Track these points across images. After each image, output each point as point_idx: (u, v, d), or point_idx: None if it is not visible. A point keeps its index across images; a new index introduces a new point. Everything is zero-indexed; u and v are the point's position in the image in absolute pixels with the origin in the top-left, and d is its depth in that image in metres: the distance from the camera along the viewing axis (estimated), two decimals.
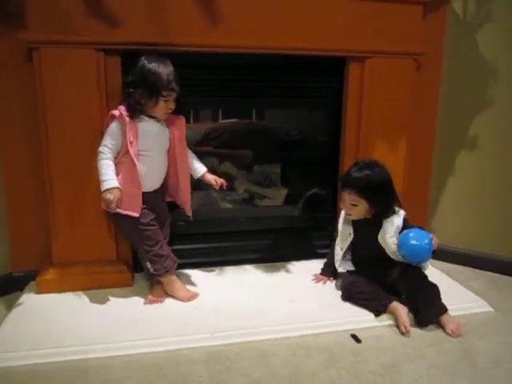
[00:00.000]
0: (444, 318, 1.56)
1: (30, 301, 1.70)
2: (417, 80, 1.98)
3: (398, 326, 1.56)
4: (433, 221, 2.21)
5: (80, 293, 1.75)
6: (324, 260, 1.94)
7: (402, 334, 1.53)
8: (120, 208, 1.61)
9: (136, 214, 1.62)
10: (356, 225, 1.76)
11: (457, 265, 2.13)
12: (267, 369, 1.36)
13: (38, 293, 1.74)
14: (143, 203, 1.64)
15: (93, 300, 1.71)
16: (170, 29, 1.68)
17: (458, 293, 1.69)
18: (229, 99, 1.97)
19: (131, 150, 1.58)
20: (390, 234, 1.65)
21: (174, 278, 1.73)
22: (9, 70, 1.68)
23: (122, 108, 1.60)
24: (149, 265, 1.68)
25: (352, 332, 1.54)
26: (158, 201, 1.74)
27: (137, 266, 1.93)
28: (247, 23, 1.73)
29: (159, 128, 1.68)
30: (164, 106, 1.63)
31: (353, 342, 1.51)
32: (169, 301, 1.71)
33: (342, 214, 1.81)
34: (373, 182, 1.65)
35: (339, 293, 1.78)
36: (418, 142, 2.09)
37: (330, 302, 1.71)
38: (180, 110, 1.72)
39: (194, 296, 1.73)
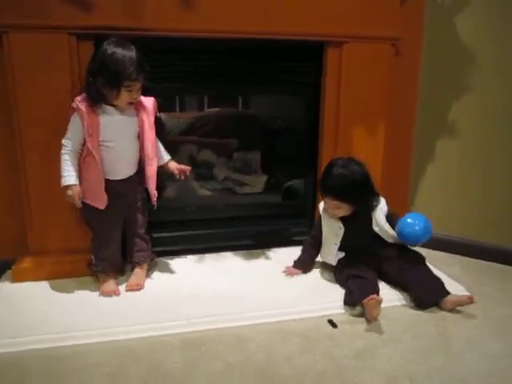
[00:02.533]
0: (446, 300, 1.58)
1: (6, 289, 1.68)
2: (396, 66, 1.98)
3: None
4: (413, 207, 2.22)
5: (56, 281, 1.73)
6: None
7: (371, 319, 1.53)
8: (86, 199, 1.59)
9: (101, 207, 1.60)
10: (343, 219, 1.75)
11: (437, 251, 2.14)
12: (243, 354, 1.36)
13: (14, 281, 1.72)
14: (114, 190, 1.62)
15: (69, 288, 1.69)
16: (146, 13, 1.65)
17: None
18: (209, 85, 1.94)
19: (89, 143, 1.53)
20: (384, 220, 1.71)
21: (109, 279, 1.71)
22: None
23: (79, 99, 1.53)
24: (93, 256, 1.70)
25: (329, 317, 1.55)
26: (132, 188, 1.70)
27: None
28: (223, 8, 1.71)
29: (123, 117, 1.60)
30: (127, 96, 1.55)
31: (329, 327, 1.51)
32: (147, 288, 1.71)
33: (322, 209, 1.81)
34: (348, 185, 1.65)
35: (319, 280, 1.79)
36: (398, 127, 2.09)
37: (308, 289, 1.72)
38: (163, 96, 1.70)
39: (112, 291, 1.67)
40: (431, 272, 1.68)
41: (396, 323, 1.52)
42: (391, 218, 1.73)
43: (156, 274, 1.83)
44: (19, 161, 1.68)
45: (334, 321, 1.53)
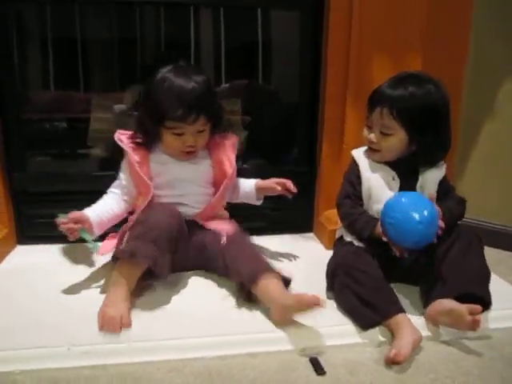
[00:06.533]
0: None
1: None
2: None
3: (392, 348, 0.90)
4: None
5: None
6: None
7: (388, 361, 0.88)
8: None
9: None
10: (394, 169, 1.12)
11: (495, 248, 1.44)
12: None
13: None
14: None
15: None
16: None
17: (500, 291, 1.04)
18: None
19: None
20: (435, 185, 1.12)
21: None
22: None
23: (124, 134, 1.16)
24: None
25: (312, 354, 0.90)
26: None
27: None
28: None
29: (182, 163, 1.17)
30: (176, 142, 1.12)
31: (311, 371, 0.86)
32: (34, 298, 1.08)
33: (358, 153, 1.16)
34: (421, 103, 1.04)
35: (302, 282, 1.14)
36: (443, 67, 1.38)
37: None
38: None
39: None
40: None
41: (426, 365, 0.88)
42: (444, 189, 1.13)
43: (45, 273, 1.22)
44: None
45: (320, 361, 0.88)
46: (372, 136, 1.08)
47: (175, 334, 0.93)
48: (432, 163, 1.10)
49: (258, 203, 1.27)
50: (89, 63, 1.50)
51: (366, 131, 1.11)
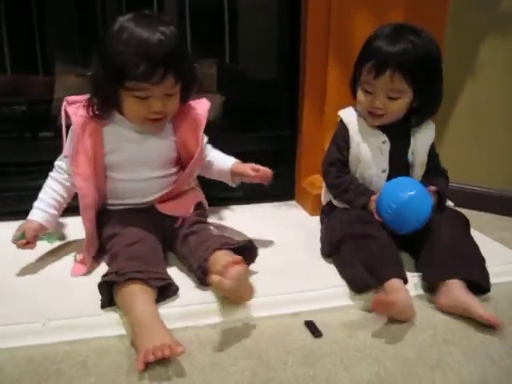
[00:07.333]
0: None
1: None
2: None
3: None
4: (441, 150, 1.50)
5: None
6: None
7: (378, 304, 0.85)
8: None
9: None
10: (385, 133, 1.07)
11: (478, 211, 1.43)
12: None
13: None
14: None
15: None
16: None
17: (489, 249, 1.02)
18: None
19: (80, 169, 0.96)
20: (426, 147, 1.10)
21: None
22: None
23: (75, 100, 0.98)
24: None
25: (307, 318, 0.86)
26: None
27: None
28: None
29: (144, 136, 1.00)
30: (139, 107, 0.93)
31: (307, 334, 0.82)
32: (3, 274, 0.99)
33: (347, 115, 1.09)
34: (426, 57, 0.99)
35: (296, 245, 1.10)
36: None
37: (275, 265, 1.02)
38: None
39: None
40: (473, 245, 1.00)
41: (431, 328, 0.85)
42: (432, 156, 1.13)
43: None
44: None
45: (317, 324, 0.84)
46: (377, 103, 1.01)
47: (162, 304, 0.87)
48: (424, 119, 1.07)
49: (234, 186, 1.11)
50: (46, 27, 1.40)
51: (363, 97, 1.03)
